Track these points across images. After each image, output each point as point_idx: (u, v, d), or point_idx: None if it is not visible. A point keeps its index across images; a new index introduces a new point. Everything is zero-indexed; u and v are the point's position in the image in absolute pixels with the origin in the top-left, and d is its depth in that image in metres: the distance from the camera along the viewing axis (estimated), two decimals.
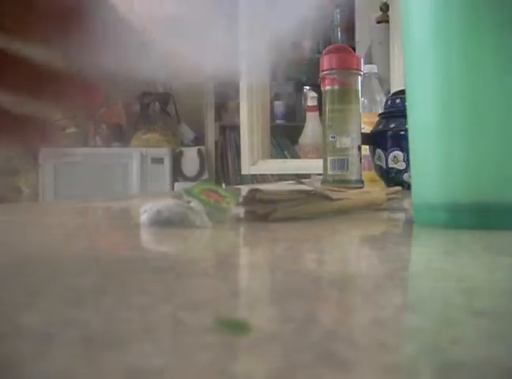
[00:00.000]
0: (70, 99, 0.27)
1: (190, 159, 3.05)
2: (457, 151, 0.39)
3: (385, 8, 2.10)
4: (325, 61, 0.82)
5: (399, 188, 0.60)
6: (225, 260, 0.30)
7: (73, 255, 0.31)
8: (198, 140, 3.13)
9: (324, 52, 0.84)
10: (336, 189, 0.53)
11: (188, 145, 3.10)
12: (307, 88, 2.83)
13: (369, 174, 0.98)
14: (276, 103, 3.15)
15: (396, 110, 0.92)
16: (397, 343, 0.15)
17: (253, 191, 0.45)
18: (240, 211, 0.46)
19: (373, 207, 0.55)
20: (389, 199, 0.57)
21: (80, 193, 2.35)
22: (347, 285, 0.23)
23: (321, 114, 0.89)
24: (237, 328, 0.16)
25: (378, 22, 2.16)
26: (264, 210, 0.44)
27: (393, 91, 1.22)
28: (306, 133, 2.16)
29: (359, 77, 0.82)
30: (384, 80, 1.50)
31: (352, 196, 0.52)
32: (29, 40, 0.25)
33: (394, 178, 0.90)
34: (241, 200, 0.45)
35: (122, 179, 2.90)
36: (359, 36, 2.40)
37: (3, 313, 0.18)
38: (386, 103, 0.98)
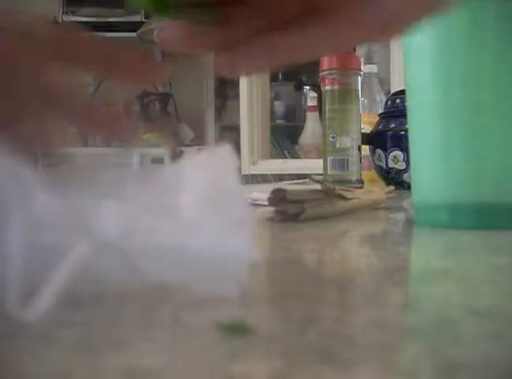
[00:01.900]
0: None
1: None
2: (457, 152, 0.39)
3: None
4: (325, 62, 0.82)
5: (392, 187, 0.62)
6: None
7: None
8: (198, 140, 3.13)
9: None
10: (345, 188, 0.53)
11: (188, 145, 3.09)
12: (307, 88, 2.82)
13: (369, 174, 0.98)
14: (276, 102, 3.14)
15: (396, 110, 0.92)
16: (397, 343, 0.15)
17: (278, 191, 0.44)
18: (270, 210, 0.45)
19: (374, 206, 0.55)
20: (387, 197, 0.58)
21: None
22: (347, 285, 0.23)
23: (321, 114, 0.89)
24: (237, 331, 0.16)
25: None
26: (294, 210, 0.44)
27: (393, 91, 1.21)
28: (306, 133, 2.16)
29: (359, 77, 0.82)
30: (384, 80, 1.50)
31: (359, 195, 0.52)
32: None
33: (394, 178, 0.90)
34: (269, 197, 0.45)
35: None
36: None
37: None
38: (386, 103, 0.98)
